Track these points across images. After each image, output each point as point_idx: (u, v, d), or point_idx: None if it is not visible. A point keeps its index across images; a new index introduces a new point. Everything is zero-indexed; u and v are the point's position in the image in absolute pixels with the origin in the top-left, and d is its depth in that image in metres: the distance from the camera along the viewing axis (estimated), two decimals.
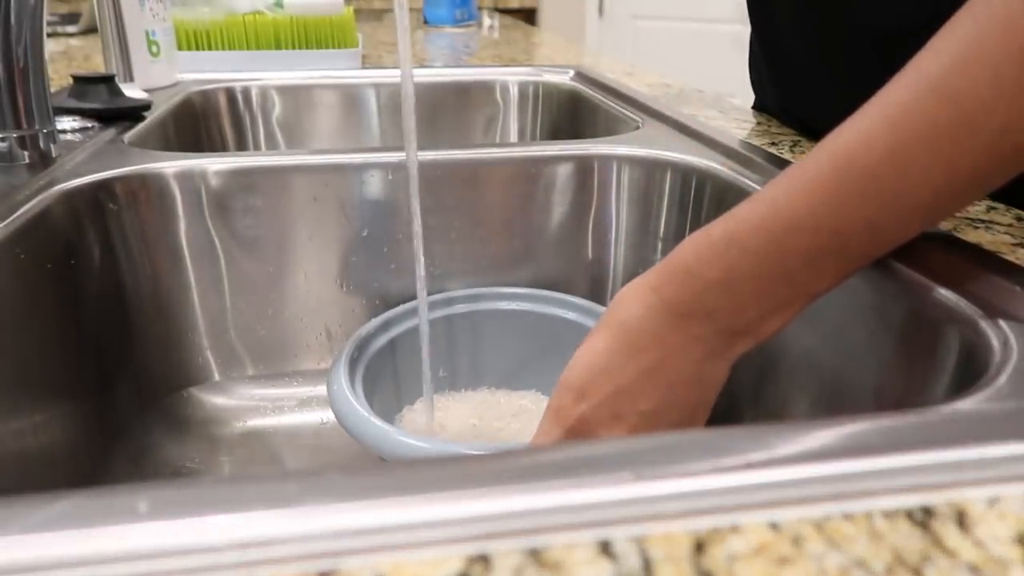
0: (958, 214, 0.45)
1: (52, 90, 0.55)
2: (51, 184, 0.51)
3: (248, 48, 1.01)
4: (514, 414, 0.57)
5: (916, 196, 0.30)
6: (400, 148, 0.61)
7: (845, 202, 0.30)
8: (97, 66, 1.00)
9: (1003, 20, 0.28)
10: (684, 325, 0.34)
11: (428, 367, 0.51)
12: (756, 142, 0.62)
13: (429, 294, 0.60)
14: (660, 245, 0.64)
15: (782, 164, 0.55)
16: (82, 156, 0.58)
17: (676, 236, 0.62)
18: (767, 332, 0.34)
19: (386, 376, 0.54)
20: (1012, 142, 0.28)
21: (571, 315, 0.58)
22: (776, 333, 0.34)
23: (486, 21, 1.89)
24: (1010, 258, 0.38)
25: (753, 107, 0.75)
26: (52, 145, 0.56)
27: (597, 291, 0.67)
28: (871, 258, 0.33)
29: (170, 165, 0.57)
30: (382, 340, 0.54)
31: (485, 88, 1.02)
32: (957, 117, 0.28)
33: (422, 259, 0.48)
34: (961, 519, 0.21)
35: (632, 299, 0.35)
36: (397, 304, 0.58)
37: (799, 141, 0.62)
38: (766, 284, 0.32)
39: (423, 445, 0.42)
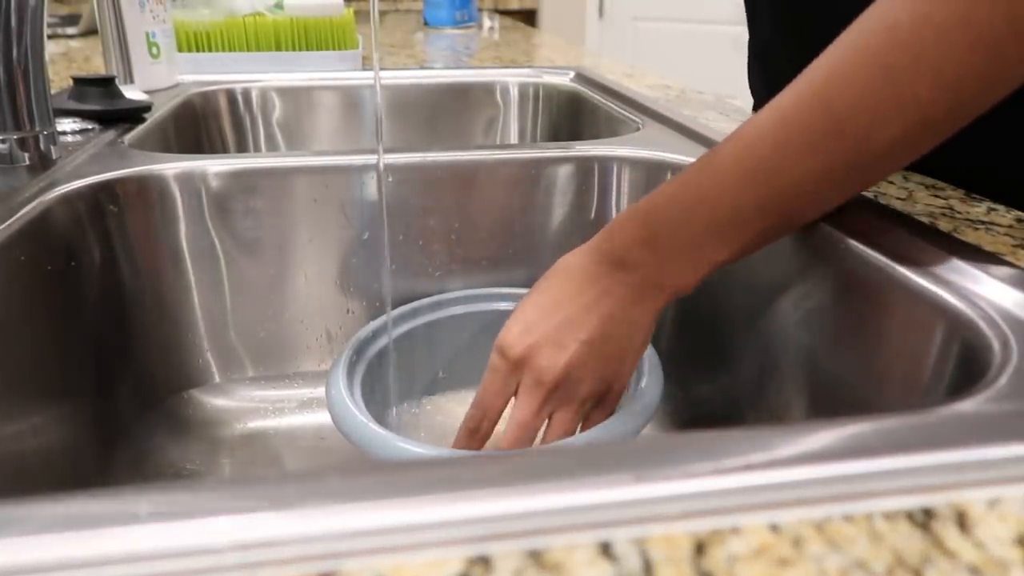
0: (958, 215, 0.45)
1: (52, 92, 0.55)
2: (51, 186, 0.51)
3: (248, 50, 1.01)
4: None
5: (799, 186, 0.36)
6: (400, 149, 0.61)
7: (740, 185, 0.37)
8: (97, 68, 1.01)
9: (867, 45, 0.33)
10: (617, 272, 0.40)
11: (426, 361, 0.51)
12: None
13: (429, 295, 0.60)
14: None
15: None
16: (82, 158, 0.58)
17: None
18: (682, 288, 0.40)
19: (385, 379, 0.54)
20: (877, 141, 0.34)
21: None
22: (689, 290, 0.40)
23: (486, 22, 1.89)
24: (1010, 259, 0.38)
25: (754, 109, 0.75)
26: (52, 147, 0.56)
27: None
28: (769, 237, 0.39)
29: (170, 167, 0.57)
30: (381, 343, 0.54)
31: (485, 89, 1.02)
32: (831, 122, 0.34)
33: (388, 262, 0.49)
34: (961, 520, 0.21)
35: (575, 255, 0.42)
36: (397, 306, 0.58)
37: None
38: (677, 247, 0.39)
39: (422, 451, 0.42)
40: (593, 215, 0.65)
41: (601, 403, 0.44)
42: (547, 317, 0.41)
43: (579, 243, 0.66)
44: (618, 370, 0.43)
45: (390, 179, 0.60)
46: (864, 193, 0.49)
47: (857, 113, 0.34)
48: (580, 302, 0.40)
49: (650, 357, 0.50)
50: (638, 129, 0.72)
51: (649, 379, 0.48)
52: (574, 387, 0.41)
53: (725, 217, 0.37)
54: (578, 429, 0.44)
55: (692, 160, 0.59)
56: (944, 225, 0.43)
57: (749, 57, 0.69)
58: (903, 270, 0.38)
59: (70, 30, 1.42)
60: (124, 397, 0.56)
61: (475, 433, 0.44)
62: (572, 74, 1.01)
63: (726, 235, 0.38)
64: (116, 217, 0.55)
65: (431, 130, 1.00)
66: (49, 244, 0.49)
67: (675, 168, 0.61)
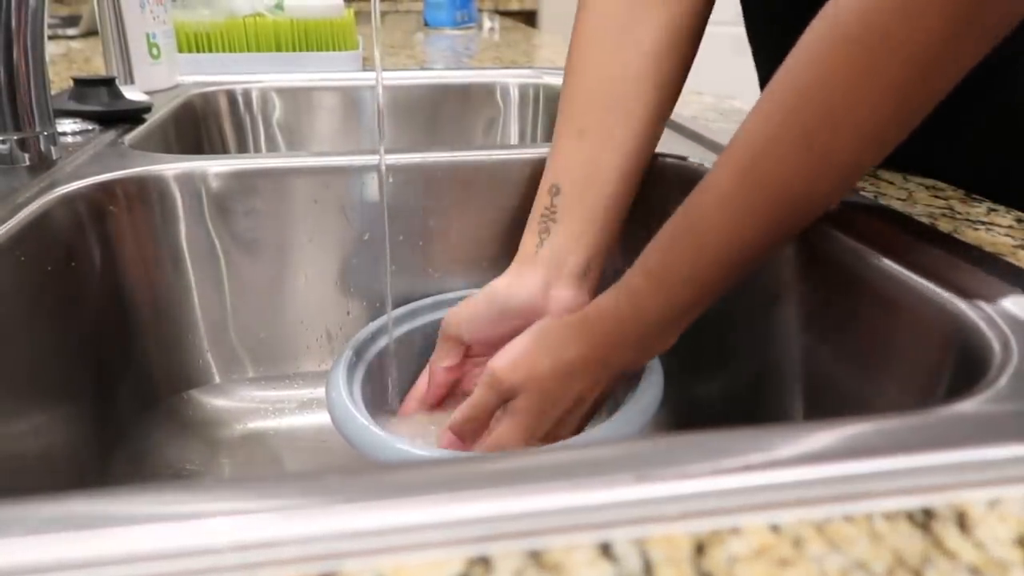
0: (958, 216, 0.45)
1: (52, 92, 0.55)
2: (52, 187, 0.51)
3: (248, 50, 1.01)
4: None
5: (758, 256, 0.38)
6: (401, 150, 0.61)
7: (709, 261, 0.39)
8: (98, 68, 1.01)
9: (783, 106, 0.35)
10: (602, 370, 0.45)
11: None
12: None
13: (429, 295, 0.60)
14: None
15: None
16: (83, 158, 0.58)
17: None
18: (650, 358, 0.47)
19: (385, 380, 0.54)
20: (812, 200, 0.37)
21: None
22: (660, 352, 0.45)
23: (486, 23, 1.89)
24: (1010, 260, 0.38)
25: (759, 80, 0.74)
26: (52, 147, 0.56)
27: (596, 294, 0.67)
28: (736, 282, 0.41)
29: (171, 167, 0.57)
30: (380, 343, 0.54)
31: (486, 90, 1.02)
32: (765, 195, 0.36)
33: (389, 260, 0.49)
34: (962, 521, 0.21)
35: (560, 339, 0.45)
36: (397, 306, 0.58)
37: None
38: (654, 347, 0.44)
39: (421, 454, 0.42)
40: None
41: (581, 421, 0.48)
42: (552, 411, 0.45)
43: None
44: (582, 423, 0.47)
45: (390, 180, 0.60)
46: (864, 194, 0.49)
47: (787, 181, 0.35)
48: (577, 394, 0.45)
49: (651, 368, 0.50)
50: None
51: (649, 380, 0.48)
52: (556, 431, 0.46)
53: (698, 296, 0.40)
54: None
55: (692, 161, 0.60)
56: (944, 226, 0.43)
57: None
58: (903, 271, 0.38)
59: (70, 31, 1.42)
60: (124, 397, 0.56)
61: (463, 439, 0.48)
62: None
63: (699, 308, 0.41)
64: (116, 218, 0.55)
65: (431, 131, 1.00)
66: (49, 244, 0.49)
67: (675, 168, 0.61)
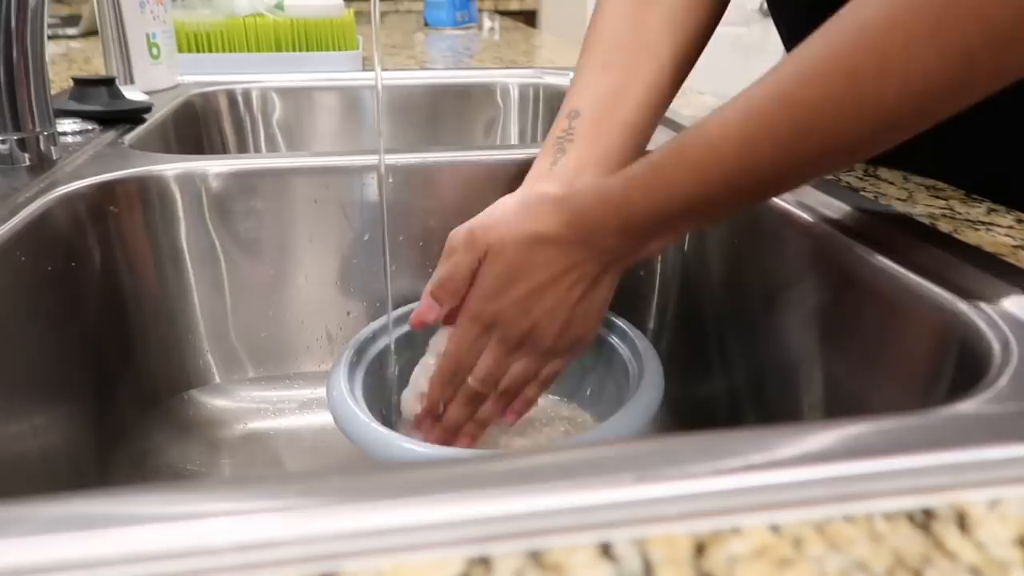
0: (959, 216, 0.45)
1: (53, 92, 0.55)
2: (52, 187, 0.51)
3: (248, 50, 1.01)
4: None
5: (764, 179, 0.37)
6: (401, 150, 0.61)
7: (709, 177, 0.38)
8: (98, 68, 1.01)
9: (835, 47, 0.33)
10: (586, 250, 0.43)
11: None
12: None
13: None
14: None
15: None
16: (83, 159, 0.58)
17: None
18: (647, 259, 0.46)
19: (386, 379, 0.54)
20: (840, 143, 0.34)
21: None
22: (653, 258, 0.44)
23: (486, 23, 1.89)
24: (1011, 260, 0.38)
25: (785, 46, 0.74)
26: (53, 147, 0.56)
27: None
28: (736, 211, 0.42)
29: (171, 167, 0.57)
30: (381, 343, 0.54)
31: (486, 90, 1.02)
32: (794, 123, 0.34)
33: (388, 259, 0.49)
34: (962, 521, 0.21)
35: (546, 226, 0.43)
36: (398, 306, 0.58)
37: None
38: (649, 233, 0.42)
39: (424, 451, 0.42)
40: None
41: (568, 354, 0.48)
42: (517, 284, 0.44)
43: None
44: (581, 331, 0.46)
45: (390, 180, 0.60)
46: (864, 194, 0.49)
47: (821, 115, 0.34)
48: (549, 273, 0.43)
49: (651, 358, 0.50)
50: None
51: (650, 379, 0.48)
52: (537, 343, 0.46)
53: (696, 206, 0.39)
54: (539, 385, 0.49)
55: None
56: (944, 226, 0.43)
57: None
58: (903, 271, 0.38)
59: (70, 31, 1.42)
60: (124, 398, 0.56)
61: (452, 381, 0.48)
62: (572, 75, 1.01)
63: (696, 220, 0.42)
64: (116, 218, 0.55)
65: (431, 131, 1.00)
66: (49, 245, 0.49)
67: None
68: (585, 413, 0.58)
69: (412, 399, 0.51)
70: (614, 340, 0.54)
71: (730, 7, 0.56)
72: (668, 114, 0.73)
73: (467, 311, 0.46)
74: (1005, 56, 0.30)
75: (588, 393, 0.58)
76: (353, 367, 0.51)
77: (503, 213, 0.44)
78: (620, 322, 0.55)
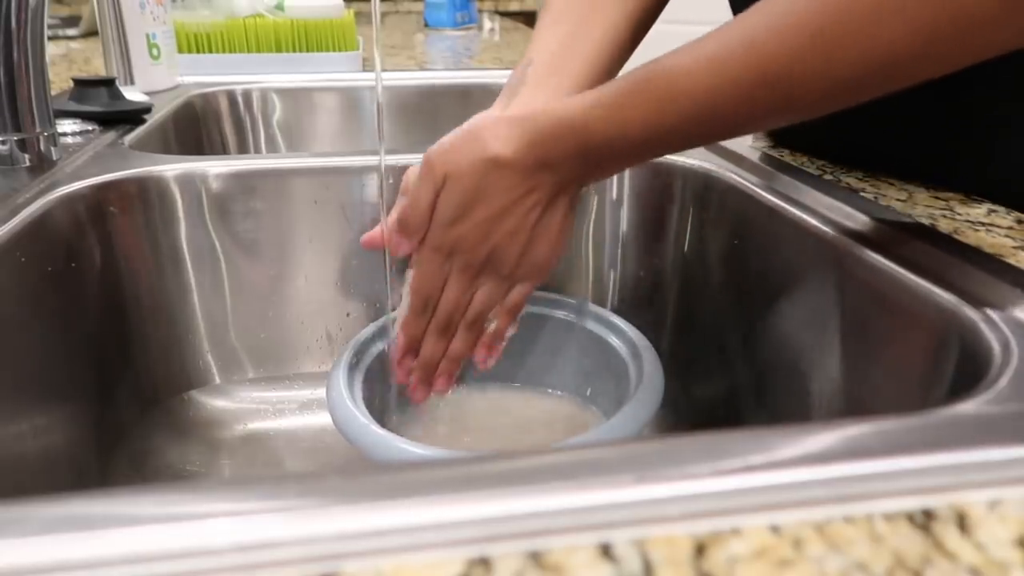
0: (959, 216, 0.45)
1: (53, 93, 0.55)
2: (52, 187, 0.51)
3: (249, 51, 1.01)
4: (507, 414, 0.57)
5: (729, 125, 0.38)
6: (401, 151, 0.61)
7: (672, 119, 0.38)
8: (98, 69, 1.01)
9: (805, 4, 0.33)
10: (544, 173, 0.43)
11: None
12: (756, 145, 0.62)
13: None
14: (660, 248, 0.64)
15: (781, 166, 0.55)
16: (83, 159, 0.58)
17: (676, 239, 0.62)
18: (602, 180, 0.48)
19: (385, 380, 0.54)
20: (805, 98, 0.35)
21: (560, 314, 0.58)
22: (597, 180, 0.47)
23: (486, 24, 1.89)
24: (1011, 261, 0.38)
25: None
26: (53, 148, 0.56)
27: (596, 295, 0.67)
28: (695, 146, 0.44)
29: (171, 168, 0.57)
30: (380, 344, 0.54)
31: (486, 91, 1.02)
32: (760, 78, 0.35)
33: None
34: (962, 522, 0.21)
35: (505, 146, 0.43)
36: (397, 307, 0.58)
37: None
38: (607, 161, 0.43)
39: (423, 452, 0.42)
40: (592, 217, 0.65)
41: (530, 279, 0.48)
42: (476, 208, 0.44)
43: (578, 243, 0.66)
44: (542, 253, 0.47)
45: (390, 180, 0.60)
46: (864, 195, 0.49)
47: (787, 71, 0.34)
48: (509, 196, 0.43)
49: (650, 358, 0.50)
50: None
51: (649, 380, 0.48)
52: (498, 267, 0.46)
53: (654, 141, 0.40)
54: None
55: (691, 162, 0.60)
56: (944, 226, 0.43)
57: None
58: (903, 272, 0.38)
59: (70, 31, 1.42)
60: (124, 398, 0.56)
61: (423, 313, 0.49)
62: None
63: (655, 152, 0.42)
64: (116, 218, 0.55)
65: (431, 131, 1.00)
66: (49, 245, 0.49)
67: (674, 170, 0.61)
68: (585, 413, 0.58)
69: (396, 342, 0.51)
70: (613, 340, 0.54)
71: (702, 6, 0.57)
72: None
73: (429, 242, 0.46)
74: (968, 37, 0.31)
75: (588, 393, 0.58)
76: (352, 368, 0.51)
77: (459, 138, 0.44)
78: (619, 321, 0.55)
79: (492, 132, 0.43)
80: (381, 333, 0.54)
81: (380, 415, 0.50)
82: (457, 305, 0.48)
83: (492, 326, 0.50)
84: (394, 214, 0.47)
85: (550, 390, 0.60)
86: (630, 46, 0.54)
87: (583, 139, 0.41)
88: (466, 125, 0.44)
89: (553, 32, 0.53)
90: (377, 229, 0.50)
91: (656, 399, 0.46)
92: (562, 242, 0.47)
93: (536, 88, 0.50)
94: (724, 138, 0.42)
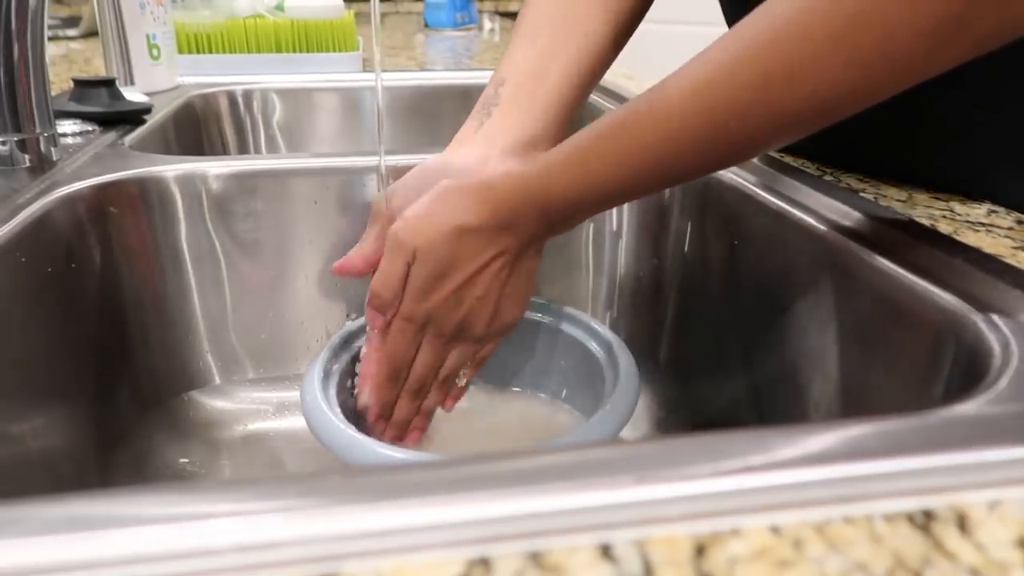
0: (959, 217, 0.45)
1: (53, 94, 0.55)
2: (52, 188, 0.51)
3: (249, 52, 1.01)
4: (496, 418, 0.57)
5: (683, 172, 0.40)
6: (401, 151, 0.61)
7: (633, 173, 0.40)
8: (98, 70, 1.01)
9: (749, 50, 0.35)
10: (508, 238, 0.44)
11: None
12: None
13: None
14: (659, 249, 0.64)
15: (781, 167, 0.55)
16: (83, 160, 0.58)
17: (675, 241, 0.62)
18: (554, 235, 0.46)
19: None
20: (755, 139, 0.37)
21: (548, 319, 0.58)
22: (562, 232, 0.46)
23: (487, 24, 1.89)
24: (1010, 261, 0.38)
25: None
26: (53, 149, 0.56)
27: (596, 296, 0.67)
28: (608, 206, 0.44)
29: (171, 168, 0.57)
30: (357, 345, 0.53)
31: None
32: (711, 124, 0.36)
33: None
34: (962, 522, 0.21)
35: (468, 217, 0.44)
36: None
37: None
38: (570, 220, 0.44)
39: (400, 456, 0.42)
40: (591, 219, 0.65)
41: (500, 335, 0.50)
42: (448, 278, 0.45)
43: (578, 244, 0.66)
44: (511, 311, 0.48)
45: (390, 181, 0.60)
46: (864, 195, 0.49)
47: (736, 116, 0.36)
48: (477, 263, 0.44)
49: (624, 357, 0.50)
50: None
51: (625, 379, 0.48)
52: (470, 331, 0.47)
53: (615, 193, 0.42)
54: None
55: None
56: (944, 227, 0.43)
57: None
58: (903, 272, 0.38)
59: (71, 32, 1.42)
60: (124, 399, 0.56)
61: (397, 380, 0.49)
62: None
63: (616, 203, 0.44)
64: (116, 219, 0.55)
65: (431, 132, 1.00)
66: (49, 246, 0.49)
67: None
68: (561, 415, 0.58)
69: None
70: (587, 341, 0.54)
71: (700, 6, 0.57)
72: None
73: (402, 313, 0.47)
74: (901, 72, 0.33)
75: (564, 395, 0.58)
76: (327, 371, 0.50)
77: (424, 211, 0.45)
78: (594, 323, 0.55)
79: (455, 203, 0.44)
80: (359, 332, 0.54)
81: (355, 418, 0.49)
82: (430, 369, 0.49)
83: (462, 381, 0.51)
84: (373, 286, 0.47)
85: (524, 390, 0.60)
86: (612, 52, 0.55)
87: (543, 202, 0.42)
88: (426, 198, 0.45)
89: (524, 53, 0.54)
90: (352, 253, 0.51)
91: (633, 399, 0.46)
92: (530, 292, 0.49)
93: (508, 109, 0.52)
94: (685, 181, 0.43)
